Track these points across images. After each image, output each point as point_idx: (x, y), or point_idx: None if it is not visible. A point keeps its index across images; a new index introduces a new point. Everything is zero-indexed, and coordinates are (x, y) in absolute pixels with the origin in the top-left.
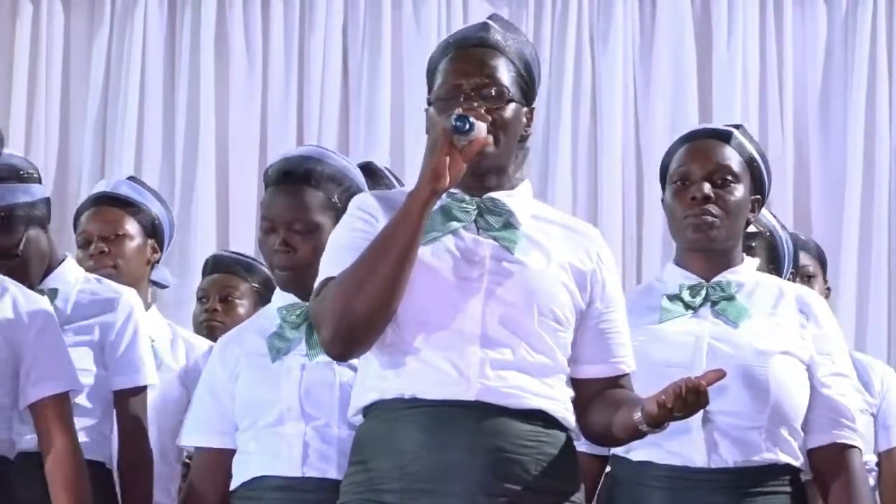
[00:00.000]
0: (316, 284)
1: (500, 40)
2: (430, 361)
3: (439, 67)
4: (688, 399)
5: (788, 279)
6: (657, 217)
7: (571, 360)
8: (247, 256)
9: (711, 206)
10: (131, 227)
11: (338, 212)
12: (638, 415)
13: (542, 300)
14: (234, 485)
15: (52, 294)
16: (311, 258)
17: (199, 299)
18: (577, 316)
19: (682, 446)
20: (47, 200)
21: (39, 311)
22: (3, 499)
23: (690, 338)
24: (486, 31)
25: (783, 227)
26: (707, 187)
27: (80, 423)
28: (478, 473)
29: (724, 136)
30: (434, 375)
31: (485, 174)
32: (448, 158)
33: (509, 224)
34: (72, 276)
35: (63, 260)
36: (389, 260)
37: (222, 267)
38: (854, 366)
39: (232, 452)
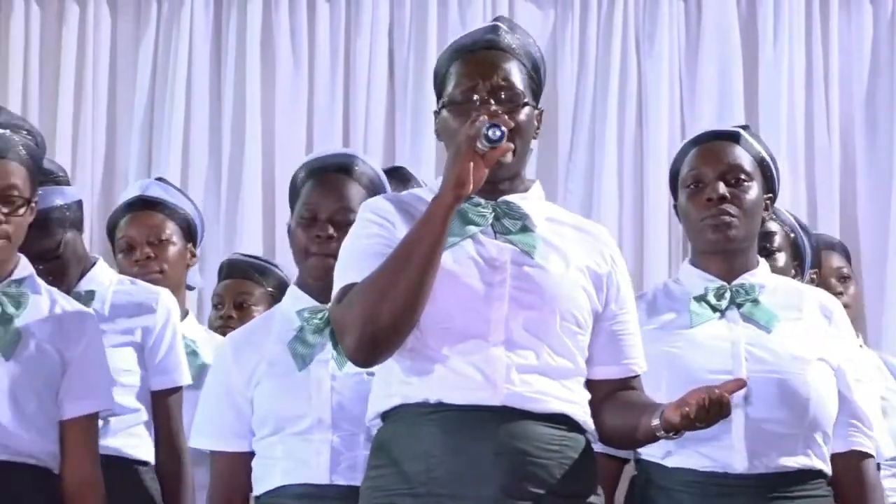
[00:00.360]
0: (335, 291)
1: (511, 43)
2: (455, 367)
3: (450, 71)
4: (710, 410)
5: (811, 279)
6: None
7: (586, 362)
8: (262, 259)
9: (728, 205)
10: (173, 231)
11: None
12: (656, 421)
13: (564, 304)
14: (257, 491)
15: (89, 296)
16: None
17: (215, 305)
18: (593, 318)
19: (722, 452)
20: (80, 203)
21: (88, 325)
22: None
23: (726, 343)
24: (495, 34)
25: (802, 226)
26: (722, 187)
27: (126, 422)
28: (502, 477)
29: (732, 137)
30: (460, 381)
31: (500, 179)
32: (471, 165)
33: (526, 227)
34: (105, 278)
35: (95, 262)
36: (414, 267)
37: (236, 272)
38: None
39: (250, 455)
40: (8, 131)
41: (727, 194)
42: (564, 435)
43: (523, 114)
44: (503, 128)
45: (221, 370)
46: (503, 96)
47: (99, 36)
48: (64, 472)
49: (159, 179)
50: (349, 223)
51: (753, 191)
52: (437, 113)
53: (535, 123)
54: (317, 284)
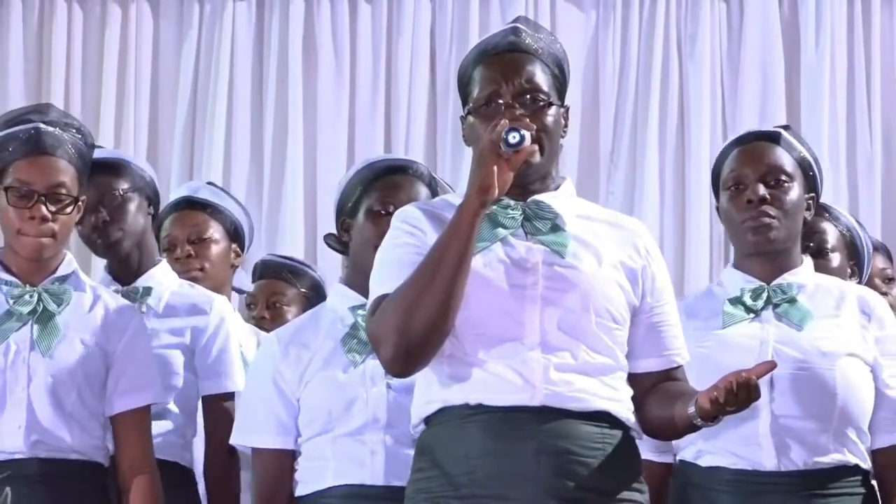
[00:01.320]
0: (369, 302)
1: (532, 43)
2: (493, 371)
3: (474, 76)
4: (739, 394)
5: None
6: None
7: (627, 356)
8: (296, 260)
9: (768, 207)
10: (215, 230)
11: None
12: (692, 409)
13: (598, 301)
14: (302, 491)
15: (146, 292)
16: None
17: (248, 305)
18: (631, 312)
19: (751, 451)
20: (157, 194)
21: (131, 320)
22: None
23: (755, 342)
24: (516, 35)
25: (861, 225)
26: (762, 189)
27: (165, 426)
28: (545, 477)
29: (773, 138)
30: (499, 384)
31: (530, 180)
32: (496, 169)
33: (556, 227)
34: (165, 279)
35: (158, 262)
36: (444, 275)
37: (270, 272)
38: None
39: (293, 454)
40: (57, 129)
41: (767, 196)
42: (606, 432)
43: (549, 114)
44: (523, 131)
45: (267, 367)
46: (527, 98)
47: (141, 38)
48: (119, 465)
49: (209, 183)
50: None
51: (794, 191)
52: (463, 119)
53: (563, 122)
54: (365, 282)
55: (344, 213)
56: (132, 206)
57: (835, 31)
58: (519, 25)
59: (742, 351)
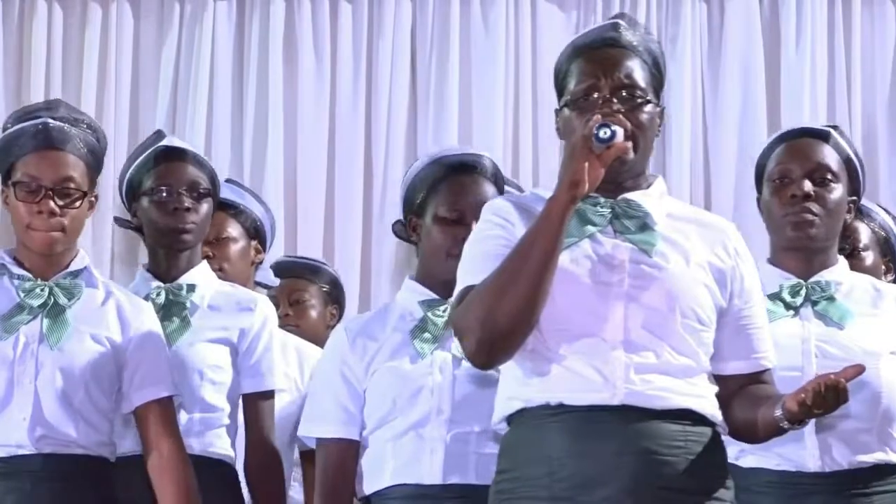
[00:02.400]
0: (455, 293)
1: (632, 40)
2: (574, 368)
3: (571, 69)
4: (827, 396)
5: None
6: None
7: (713, 357)
8: (311, 259)
9: (812, 204)
10: (234, 229)
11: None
12: (779, 412)
13: (684, 302)
14: (367, 490)
15: (190, 289)
16: None
17: None
18: (718, 313)
19: (795, 452)
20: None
21: (143, 317)
22: (103, 500)
23: (797, 340)
24: (616, 31)
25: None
26: (808, 185)
27: (212, 420)
28: (627, 477)
29: (822, 136)
30: (579, 382)
31: (622, 178)
32: (587, 165)
33: (645, 226)
34: (207, 277)
35: (201, 262)
36: (530, 269)
37: (288, 272)
38: None
39: (358, 445)
40: (66, 125)
41: (812, 192)
42: (689, 430)
43: (645, 111)
44: (613, 127)
45: (336, 358)
46: (624, 94)
47: (122, 37)
48: (148, 457)
49: (229, 181)
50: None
51: (838, 191)
52: (558, 112)
53: (658, 121)
54: (435, 280)
55: (412, 209)
56: (207, 205)
57: (815, 32)
58: (619, 21)
59: (784, 349)
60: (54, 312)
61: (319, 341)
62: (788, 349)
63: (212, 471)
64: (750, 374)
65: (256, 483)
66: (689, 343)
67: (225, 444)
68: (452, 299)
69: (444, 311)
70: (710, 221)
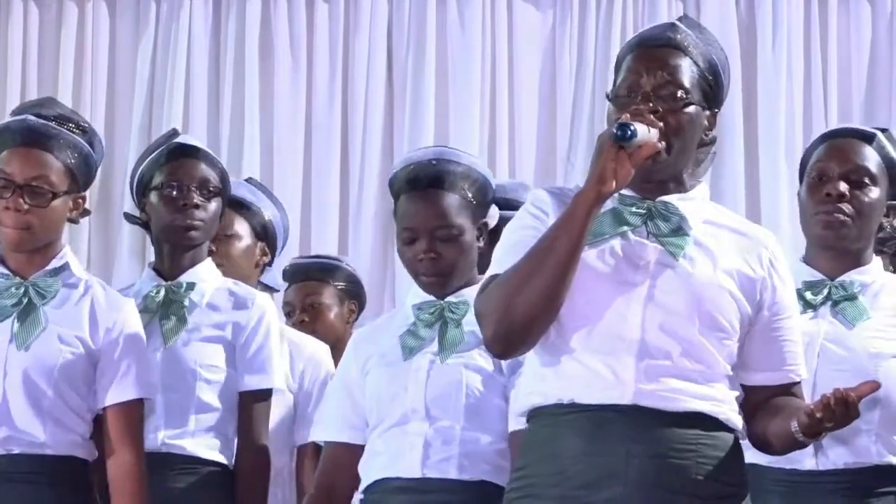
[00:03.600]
0: (483, 279)
1: (685, 40)
2: (588, 364)
3: (624, 63)
4: (837, 410)
5: None
6: None
7: (740, 366)
8: (324, 258)
9: (844, 204)
10: (241, 227)
11: (473, 208)
12: (794, 425)
13: (705, 308)
14: (363, 485)
15: (190, 287)
16: (456, 261)
17: (287, 314)
18: (745, 323)
19: None
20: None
21: (117, 315)
22: (79, 502)
23: (805, 338)
24: (672, 31)
25: None
26: (843, 185)
27: (207, 420)
28: (635, 479)
29: (866, 137)
30: (591, 379)
31: (655, 179)
32: (614, 163)
33: (680, 229)
34: (209, 275)
35: (203, 260)
36: (551, 262)
37: (299, 275)
38: None
39: (361, 448)
40: (53, 123)
41: (846, 193)
42: (701, 434)
43: (685, 112)
44: (633, 126)
45: (344, 365)
46: (665, 93)
47: (98, 36)
48: (107, 462)
49: (248, 180)
50: (453, 235)
51: (874, 193)
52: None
53: (706, 124)
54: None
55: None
56: (216, 204)
57: (791, 31)
58: (677, 23)
59: None
60: (26, 312)
61: (341, 340)
62: None
63: (206, 472)
64: (778, 385)
65: (242, 481)
66: (708, 349)
67: (219, 444)
68: (478, 286)
69: (432, 313)
70: (750, 231)
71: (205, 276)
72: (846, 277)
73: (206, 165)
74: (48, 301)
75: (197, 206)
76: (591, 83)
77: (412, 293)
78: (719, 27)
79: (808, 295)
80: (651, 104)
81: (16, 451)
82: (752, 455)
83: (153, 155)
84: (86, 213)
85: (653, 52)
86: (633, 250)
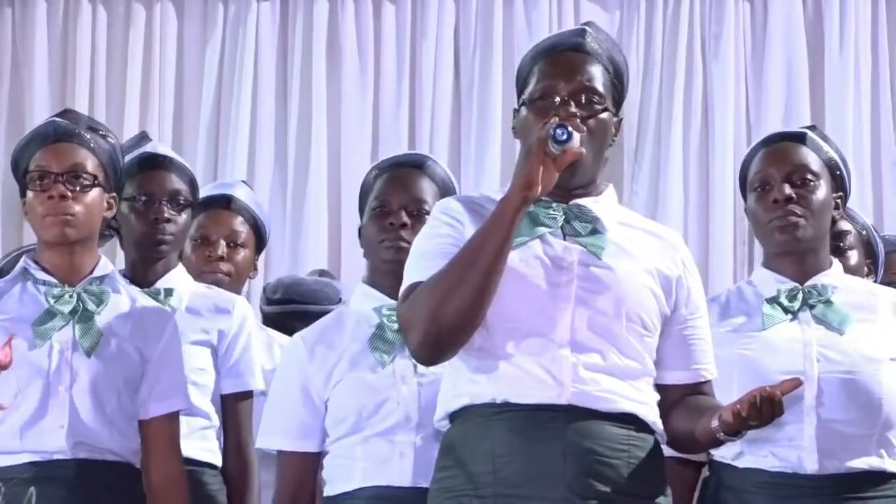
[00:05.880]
0: (402, 289)
1: (596, 47)
2: (522, 366)
3: (533, 70)
4: (762, 409)
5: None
6: None
7: (655, 365)
8: (304, 299)
9: (794, 206)
10: (248, 237)
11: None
12: (715, 423)
13: (631, 305)
14: (332, 492)
15: (168, 293)
16: None
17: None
18: (662, 321)
19: (793, 453)
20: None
21: (167, 325)
22: None
23: (798, 345)
24: (582, 37)
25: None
26: (788, 188)
27: (199, 424)
28: (570, 477)
29: (799, 138)
30: (527, 380)
31: (574, 184)
32: (542, 167)
33: (596, 230)
34: (183, 280)
35: (176, 265)
36: (479, 267)
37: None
38: None
39: (318, 456)
40: (76, 125)
41: (793, 195)
42: (632, 434)
43: (601, 118)
44: (570, 129)
45: (294, 369)
46: (583, 99)
47: (165, 38)
48: (149, 470)
49: (243, 182)
50: (422, 214)
51: (821, 190)
52: (516, 111)
53: (613, 130)
54: (388, 280)
55: (363, 213)
56: (187, 215)
57: (859, 32)
58: (587, 28)
59: (786, 354)
60: (84, 319)
61: None
62: (789, 353)
63: (196, 474)
64: (690, 384)
65: (231, 484)
66: (635, 346)
67: (210, 446)
68: (399, 295)
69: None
70: (660, 232)
71: (180, 282)
72: (816, 281)
73: (177, 176)
74: (102, 308)
75: (168, 220)
76: (658, 83)
77: (362, 294)
78: (787, 26)
79: (785, 301)
80: (572, 109)
81: (83, 455)
82: (751, 460)
83: (125, 164)
84: (111, 209)
85: (566, 57)
86: (556, 252)
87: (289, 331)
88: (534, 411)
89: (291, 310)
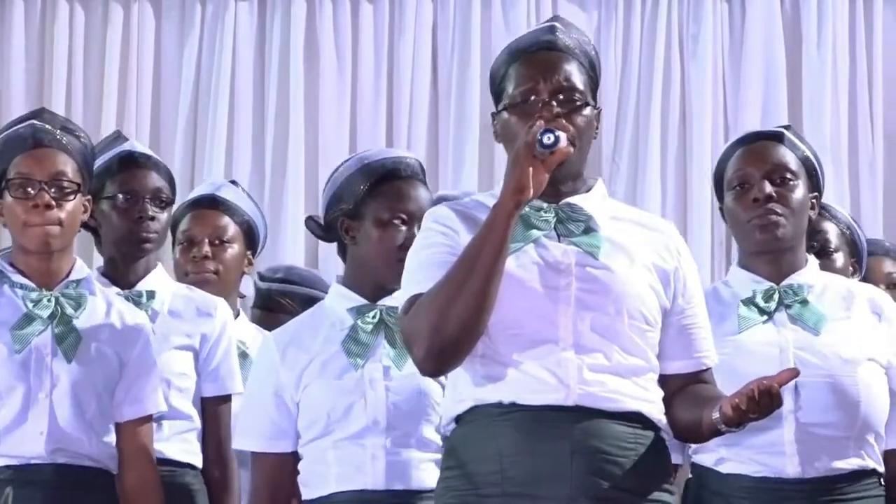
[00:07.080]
0: (402, 302)
1: (569, 42)
2: (527, 371)
3: (508, 72)
4: (761, 401)
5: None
6: None
7: (657, 356)
8: (292, 280)
9: (774, 205)
10: (235, 234)
11: None
12: (716, 415)
13: (631, 303)
14: (309, 496)
15: (150, 295)
16: None
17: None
18: (663, 313)
19: (774, 458)
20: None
21: (143, 329)
22: None
23: (774, 349)
24: (553, 34)
25: (856, 222)
26: (768, 187)
27: (181, 426)
28: (578, 476)
29: (776, 137)
30: (533, 384)
31: (562, 181)
32: (531, 170)
33: (590, 229)
34: (164, 282)
35: (156, 266)
36: (478, 275)
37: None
38: None
39: (294, 456)
40: (56, 128)
41: (774, 194)
42: (638, 433)
43: (584, 114)
44: (557, 132)
45: (267, 370)
46: (563, 97)
47: (143, 38)
48: (123, 474)
49: (233, 182)
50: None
51: (799, 190)
52: (495, 115)
53: (595, 123)
54: (364, 281)
55: (342, 211)
56: (168, 213)
57: (837, 31)
58: (556, 24)
59: (763, 359)
60: (63, 323)
61: None
62: (765, 357)
63: (177, 475)
64: (691, 373)
65: (211, 486)
66: (638, 343)
67: (191, 448)
68: (399, 308)
69: (373, 318)
70: (653, 223)
71: (160, 283)
72: (792, 281)
73: (158, 174)
74: (80, 312)
75: (152, 218)
76: (635, 83)
77: (337, 294)
78: (765, 26)
79: (761, 302)
80: (555, 109)
81: (61, 460)
82: (734, 465)
83: (102, 162)
84: (86, 212)
85: (541, 56)
86: (552, 255)
87: (283, 309)
88: (540, 411)
89: (291, 289)
